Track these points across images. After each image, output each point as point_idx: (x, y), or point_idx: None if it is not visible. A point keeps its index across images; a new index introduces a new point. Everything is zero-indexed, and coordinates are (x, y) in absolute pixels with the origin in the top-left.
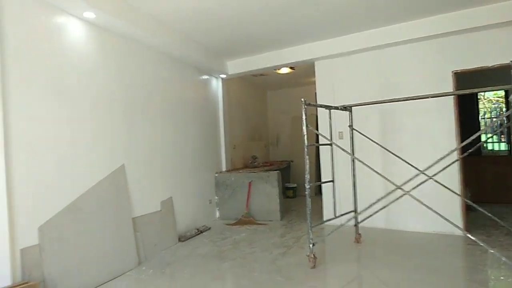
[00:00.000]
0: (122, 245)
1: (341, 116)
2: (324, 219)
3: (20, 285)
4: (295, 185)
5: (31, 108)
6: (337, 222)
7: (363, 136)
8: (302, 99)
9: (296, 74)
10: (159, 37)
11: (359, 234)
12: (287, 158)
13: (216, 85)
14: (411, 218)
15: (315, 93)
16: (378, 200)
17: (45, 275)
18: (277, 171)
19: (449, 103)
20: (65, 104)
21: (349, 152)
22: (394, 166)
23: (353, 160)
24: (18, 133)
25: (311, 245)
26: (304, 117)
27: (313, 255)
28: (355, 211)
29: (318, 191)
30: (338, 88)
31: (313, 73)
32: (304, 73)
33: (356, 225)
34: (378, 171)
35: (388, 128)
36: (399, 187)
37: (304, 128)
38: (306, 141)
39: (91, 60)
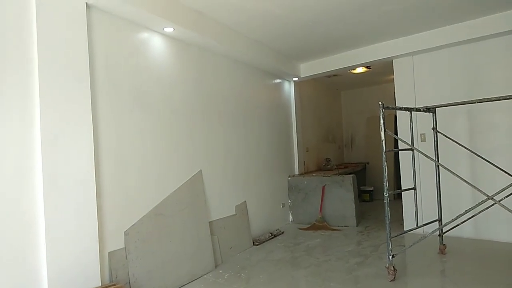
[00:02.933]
0: (200, 248)
1: (423, 116)
2: (405, 228)
3: (108, 286)
4: (371, 188)
5: (118, 120)
6: (419, 231)
7: (447, 138)
8: (380, 102)
9: (372, 73)
10: (233, 46)
11: (444, 244)
12: (362, 160)
13: (289, 88)
14: (504, 227)
15: (394, 92)
16: (466, 211)
17: (130, 276)
18: (352, 174)
19: None
20: (148, 114)
21: (433, 158)
22: (484, 170)
23: (437, 166)
24: (107, 144)
25: (390, 257)
26: (382, 121)
27: (393, 267)
28: (439, 220)
29: (398, 195)
30: (420, 87)
31: (390, 71)
32: (381, 72)
33: (440, 235)
34: (466, 177)
35: (476, 129)
36: (490, 198)
37: (382, 132)
38: (384, 147)
39: (171, 72)
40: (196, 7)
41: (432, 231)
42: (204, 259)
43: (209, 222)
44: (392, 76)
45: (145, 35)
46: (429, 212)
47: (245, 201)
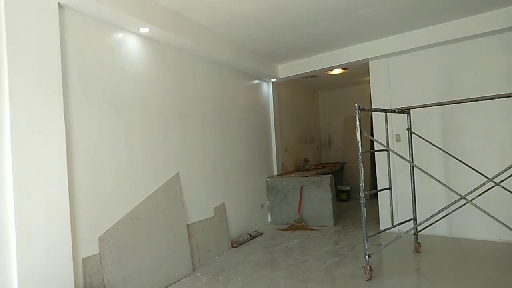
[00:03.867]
0: (178, 252)
1: (398, 117)
2: (381, 227)
3: None
4: (348, 187)
5: (92, 122)
6: (395, 230)
7: (422, 139)
8: (356, 104)
9: (349, 74)
10: (211, 47)
11: (419, 243)
12: (340, 160)
13: (267, 89)
14: (475, 225)
15: (370, 93)
16: (440, 211)
17: (105, 282)
18: (330, 175)
19: None
20: (123, 116)
21: (407, 159)
22: (457, 169)
23: (412, 166)
24: (80, 147)
25: (366, 256)
26: (357, 122)
27: (369, 266)
28: (414, 219)
29: (375, 194)
30: (395, 88)
31: (366, 73)
32: (357, 73)
33: (415, 233)
34: (439, 175)
35: (450, 129)
36: (463, 197)
37: (358, 134)
38: (360, 148)
39: (147, 73)
40: (172, 8)
41: (407, 230)
42: (181, 263)
43: (187, 225)
44: (368, 78)
45: (120, 35)
46: (404, 212)
47: (224, 203)
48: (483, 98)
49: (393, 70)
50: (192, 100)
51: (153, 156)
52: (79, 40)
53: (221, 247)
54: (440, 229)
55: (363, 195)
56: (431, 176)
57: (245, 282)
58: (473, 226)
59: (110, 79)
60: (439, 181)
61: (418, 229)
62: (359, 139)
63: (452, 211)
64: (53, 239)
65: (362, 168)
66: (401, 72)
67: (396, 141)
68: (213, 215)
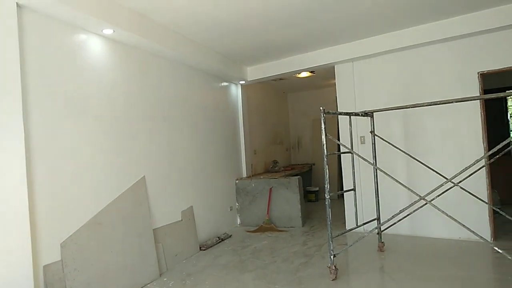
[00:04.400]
0: (144, 257)
1: (363, 120)
2: (347, 227)
3: None
4: (317, 188)
5: (53, 124)
6: (360, 230)
7: (385, 141)
8: (321, 108)
9: (316, 77)
10: (178, 50)
11: (382, 242)
12: (308, 161)
13: (236, 91)
14: (436, 224)
15: (336, 96)
16: (401, 211)
17: None
18: (298, 176)
19: (475, 106)
20: (85, 119)
21: (370, 161)
22: (419, 170)
23: (375, 168)
24: (40, 150)
25: (332, 257)
26: (323, 126)
27: (334, 266)
28: (378, 219)
29: (342, 195)
30: (360, 92)
31: (333, 76)
32: (324, 76)
33: (379, 233)
34: (402, 176)
35: (412, 132)
36: (422, 198)
37: (324, 137)
38: (325, 151)
39: (112, 75)
40: (137, 9)
41: (370, 230)
42: (147, 268)
43: (153, 229)
44: (335, 81)
45: (83, 36)
46: (369, 212)
47: (192, 206)
48: (441, 102)
49: (357, 74)
50: (159, 103)
51: (118, 160)
52: (39, 41)
53: (189, 250)
54: (403, 228)
55: (328, 196)
56: (392, 178)
57: (213, 285)
58: (434, 226)
59: (72, 81)
60: (400, 183)
61: (382, 229)
62: (324, 142)
63: (414, 211)
64: (11, 246)
65: (327, 170)
66: (365, 76)
67: (361, 143)
68: (180, 219)
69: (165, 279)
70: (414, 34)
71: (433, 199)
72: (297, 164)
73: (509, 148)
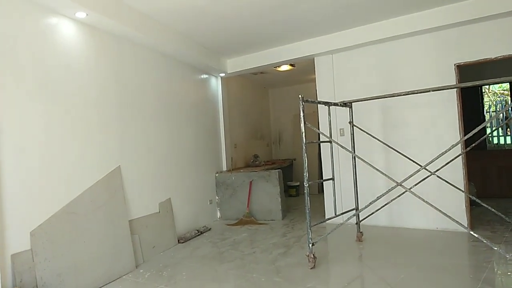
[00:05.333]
0: (119, 248)
1: (343, 113)
2: (326, 217)
3: None
4: (297, 183)
5: (21, 109)
6: (339, 220)
7: (365, 133)
8: (300, 96)
9: (296, 71)
10: (155, 37)
11: (361, 232)
12: (289, 157)
13: (216, 84)
14: (414, 215)
15: (316, 90)
16: (378, 198)
17: (38, 280)
18: (278, 169)
19: (452, 97)
20: (56, 104)
21: (349, 149)
22: (398, 162)
23: (354, 158)
24: (7, 135)
25: (310, 245)
26: (302, 114)
27: (313, 255)
28: (356, 209)
29: (322, 189)
30: (339, 84)
31: (313, 70)
32: (304, 70)
33: (357, 223)
34: (381, 168)
35: (390, 123)
36: (399, 184)
37: (302, 125)
38: (304, 139)
39: (84, 61)
40: None
41: (348, 218)
42: (123, 259)
43: (129, 220)
44: (315, 76)
45: (54, 19)
46: (348, 203)
47: (170, 198)
48: (418, 91)
49: (337, 66)
50: (135, 92)
51: (92, 148)
52: (5, 22)
53: (167, 243)
54: (381, 219)
55: (307, 184)
56: (370, 165)
57: (190, 276)
58: (412, 216)
59: (41, 65)
60: (377, 169)
61: (360, 219)
62: (303, 130)
63: (391, 200)
64: None
65: (306, 159)
66: (344, 68)
67: (340, 135)
68: (158, 211)
69: (141, 270)
70: (392, 26)
71: (411, 188)
72: (278, 159)
73: (484, 136)
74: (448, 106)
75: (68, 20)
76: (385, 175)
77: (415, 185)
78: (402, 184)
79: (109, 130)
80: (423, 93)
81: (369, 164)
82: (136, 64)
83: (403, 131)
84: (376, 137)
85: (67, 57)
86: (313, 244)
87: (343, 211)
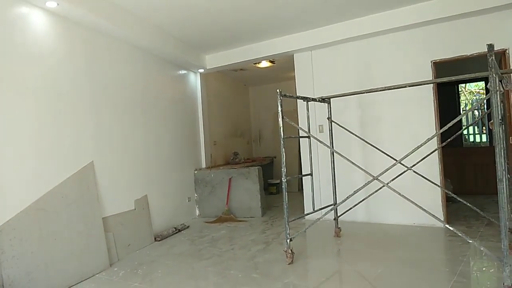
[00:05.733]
0: (91, 246)
1: (321, 110)
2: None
3: None
4: (278, 181)
5: None
6: (317, 216)
7: (343, 130)
8: (278, 90)
9: (276, 68)
10: (130, 30)
11: (339, 228)
12: (270, 154)
13: (195, 80)
14: (391, 211)
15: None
16: (355, 191)
17: (5, 278)
18: (258, 167)
19: (429, 94)
20: (26, 97)
21: (328, 145)
22: (375, 158)
23: (332, 153)
24: None
25: (288, 241)
26: (280, 108)
27: (291, 250)
28: (334, 204)
29: (301, 187)
30: (318, 80)
31: (293, 68)
32: (285, 67)
33: (335, 218)
34: (358, 163)
35: (367, 120)
36: (375, 178)
37: (280, 120)
38: (282, 134)
39: (55, 53)
40: None
41: (325, 213)
42: (96, 258)
43: (103, 218)
44: (293, 74)
45: (23, 9)
46: (327, 198)
47: (146, 195)
48: (395, 87)
49: (316, 63)
50: (110, 86)
51: (63, 143)
52: None
53: (143, 241)
54: (359, 215)
55: (285, 180)
56: (347, 159)
57: (166, 273)
58: (390, 212)
59: (8, 56)
60: (354, 163)
61: (338, 214)
62: (281, 125)
63: (369, 196)
64: None
65: (284, 154)
66: (323, 65)
67: (319, 132)
68: (134, 208)
69: (116, 269)
70: (370, 23)
71: (388, 182)
72: (258, 156)
73: (459, 132)
74: (424, 103)
75: (39, 10)
76: (362, 169)
77: (392, 180)
78: (379, 178)
79: (81, 125)
80: (400, 89)
81: (346, 159)
82: (110, 57)
83: (379, 128)
84: (354, 133)
85: (38, 48)
86: (291, 240)
87: (321, 206)
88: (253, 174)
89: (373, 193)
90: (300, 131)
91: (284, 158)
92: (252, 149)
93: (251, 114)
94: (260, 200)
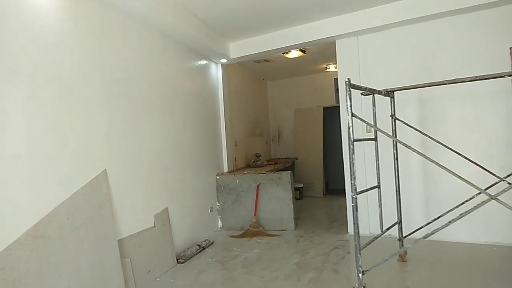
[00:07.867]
0: (105, 277)
1: (367, 104)
2: (348, 230)
3: None
4: (301, 185)
5: None
6: (365, 232)
7: (411, 127)
8: (346, 79)
9: (305, 60)
10: (148, 5)
11: (405, 251)
12: (290, 155)
13: (216, 72)
14: (458, 226)
15: (335, 79)
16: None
17: None
18: (289, 171)
19: (507, 87)
20: (21, 86)
21: (393, 150)
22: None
23: (396, 159)
24: None
25: (360, 274)
26: (348, 103)
27: (363, 286)
28: (399, 222)
29: (327, 190)
30: (366, 71)
31: (325, 58)
32: (314, 59)
33: (400, 239)
34: (419, 173)
35: (428, 119)
36: (482, 191)
37: (350, 117)
38: (352, 135)
39: (59, 32)
40: None
41: (385, 230)
42: None
43: (119, 240)
44: (323, 66)
45: None
46: (376, 213)
47: (167, 208)
48: (465, 80)
49: (363, 50)
50: (123, 76)
51: (68, 147)
52: None
53: (164, 264)
54: (418, 231)
55: (355, 196)
56: (442, 167)
57: None
58: (455, 228)
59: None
60: (453, 173)
61: (404, 234)
62: (350, 124)
63: (469, 211)
64: None
65: (354, 161)
66: (372, 53)
67: (367, 132)
68: (153, 225)
69: None
70: (430, 3)
71: (497, 194)
72: (278, 158)
73: None
74: (500, 99)
75: None
76: (465, 180)
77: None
78: (486, 191)
79: (91, 124)
80: (469, 83)
81: (442, 167)
82: (126, 41)
83: (443, 129)
84: (413, 136)
85: (38, 29)
86: (363, 273)
87: (371, 223)
88: (284, 180)
89: (472, 209)
90: (350, 131)
91: (355, 167)
92: (270, 149)
93: (270, 111)
94: (293, 211)
